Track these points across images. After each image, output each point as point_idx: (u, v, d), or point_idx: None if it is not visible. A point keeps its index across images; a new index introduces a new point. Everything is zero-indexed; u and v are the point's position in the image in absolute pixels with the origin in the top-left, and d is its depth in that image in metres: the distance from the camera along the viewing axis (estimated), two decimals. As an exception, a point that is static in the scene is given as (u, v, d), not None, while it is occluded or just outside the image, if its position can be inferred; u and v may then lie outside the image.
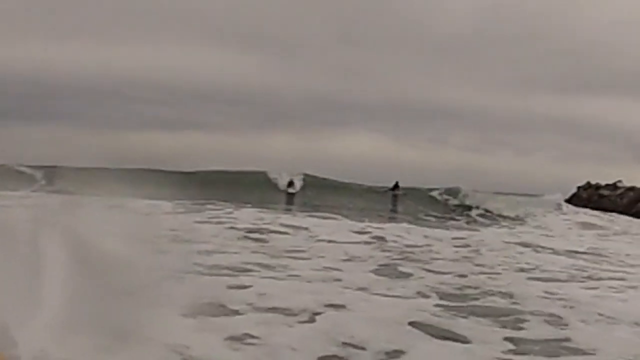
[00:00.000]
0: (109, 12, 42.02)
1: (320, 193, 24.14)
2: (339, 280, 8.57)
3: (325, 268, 9.50)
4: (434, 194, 26.71)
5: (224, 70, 42.17)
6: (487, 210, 24.11)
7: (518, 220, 22.99)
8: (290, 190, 25.06)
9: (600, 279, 10.26)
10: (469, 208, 24.51)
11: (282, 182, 25.52)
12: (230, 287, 7.41)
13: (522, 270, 10.56)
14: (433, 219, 22.22)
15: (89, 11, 41.18)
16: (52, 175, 21.21)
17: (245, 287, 7.47)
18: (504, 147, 46.16)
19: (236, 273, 8.52)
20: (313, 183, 25.94)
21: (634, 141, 41.98)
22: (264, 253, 10.65)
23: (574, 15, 45.36)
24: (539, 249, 13.90)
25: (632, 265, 12.12)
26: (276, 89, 42.35)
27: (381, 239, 13.67)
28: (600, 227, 22.09)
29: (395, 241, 13.50)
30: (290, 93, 42.96)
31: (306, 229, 14.52)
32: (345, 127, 45.58)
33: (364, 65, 45.28)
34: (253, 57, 44.89)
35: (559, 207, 26.22)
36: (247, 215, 16.18)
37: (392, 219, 20.25)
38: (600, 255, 13.59)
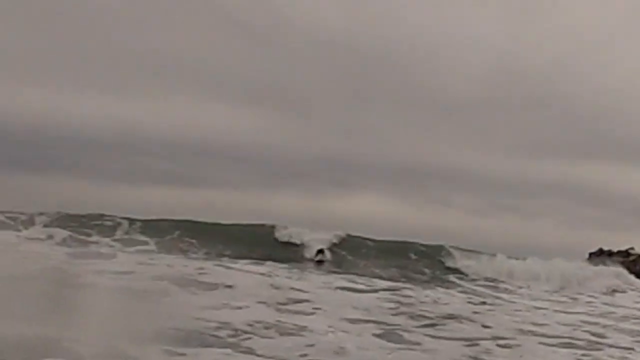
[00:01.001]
0: (117, 65, 42.25)
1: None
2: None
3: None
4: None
5: (232, 126, 42.27)
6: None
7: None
8: (320, 258, 23.86)
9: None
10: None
11: (311, 252, 24.45)
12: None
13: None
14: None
15: (97, 63, 41.38)
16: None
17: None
18: (510, 211, 45.70)
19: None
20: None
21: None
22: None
23: (582, 82, 45.74)
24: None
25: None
26: (284, 147, 42.35)
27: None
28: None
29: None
30: (298, 151, 42.88)
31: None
32: (352, 187, 45.32)
33: (373, 125, 45.36)
34: (259, 115, 45.09)
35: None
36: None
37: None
38: None
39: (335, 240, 24.74)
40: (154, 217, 24.82)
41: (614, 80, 45.60)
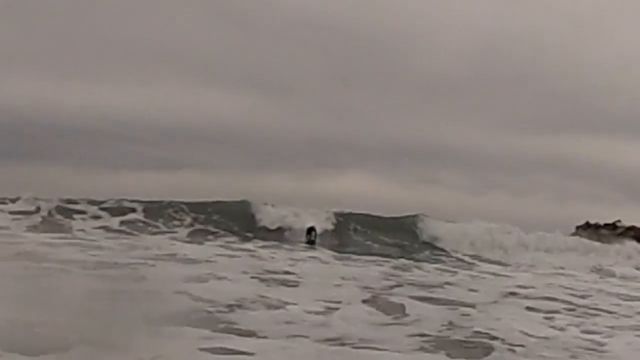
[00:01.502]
0: (106, 53, 41.94)
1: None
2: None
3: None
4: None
5: (218, 110, 42.06)
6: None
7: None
8: (309, 238, 23.08)
9: None
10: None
11: (299, 232, 23.85)
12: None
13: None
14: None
15: (86, 52, 41.02)
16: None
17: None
18: (499, 187, 45.80)
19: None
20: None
21: (629, 181, 41.95)
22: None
23: (567, 58, 45.72)
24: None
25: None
26: (270, 129, 42.23)
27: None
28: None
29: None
30: (284, 133, 42.76)
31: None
32: (339, 167, 45.28)
33: (358, 105, 45.29)
34: (247, 98, 44.87)
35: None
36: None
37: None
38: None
39: (328, 219, 24.48)
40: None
41: (600, 56, 45.63)
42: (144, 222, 22.02)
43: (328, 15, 43.53)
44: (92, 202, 22.62)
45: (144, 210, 22.64)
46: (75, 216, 21.62)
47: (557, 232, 28.68)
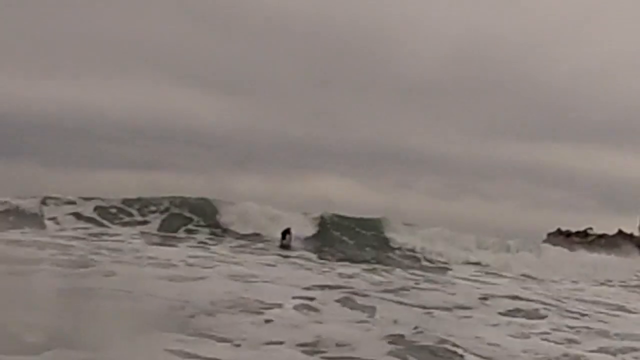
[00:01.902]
0: (80, 50, 41.58)
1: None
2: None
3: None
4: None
5: (193, 111, 41.97)
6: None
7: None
8: (285, 242, 22.29)
9: None
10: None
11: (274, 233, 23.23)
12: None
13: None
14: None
15: (59, 49, 40.63)
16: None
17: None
18: (470, 193, 46.32)
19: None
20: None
21: (600, 188, 42.54)
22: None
23: (541, 65, 46.31)
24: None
25: None
26: (244, 131, 42.16)
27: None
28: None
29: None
30: (259, 135, 42.74)
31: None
32: (314, 170, 45.38)
33: (334, 108, 45.44)
34: (223, 99, 44.79)
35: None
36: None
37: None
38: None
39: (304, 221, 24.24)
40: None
41: (580, 64, 46.25)
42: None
43: (306, 19, 43.66)
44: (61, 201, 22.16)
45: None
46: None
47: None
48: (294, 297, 10.80)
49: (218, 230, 22.58)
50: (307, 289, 12.19)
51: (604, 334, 10.55)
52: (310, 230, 24.37)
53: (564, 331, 10.40)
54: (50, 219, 20.97)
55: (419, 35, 45.50)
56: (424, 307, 11.31)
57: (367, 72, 45.13)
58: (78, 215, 21.60)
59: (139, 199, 23.29)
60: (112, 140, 39.91)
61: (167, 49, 43.14)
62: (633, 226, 32.40)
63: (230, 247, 19.58)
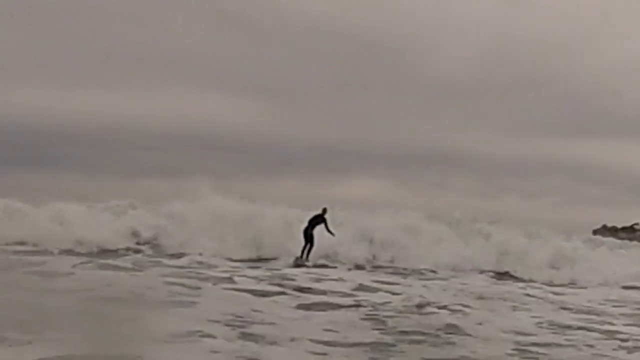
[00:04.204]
0: (113, 60, 41.87)
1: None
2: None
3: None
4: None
5: (226, 117, 42.02)
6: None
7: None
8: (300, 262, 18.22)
9: None
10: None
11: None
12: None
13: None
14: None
15: (92, 59, 40.95)
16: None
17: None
18: (509, 191, 45.82)
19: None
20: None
21: (637, 183, 42.17)
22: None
23: (575, 61, 45.94)
24: None
25: None
26: (279, 135, 42.18)
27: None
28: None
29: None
30: (294, 140, 42.78)
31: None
32: (349, 173, 45.30)
33: (367, 112, 45.41)
34: (256, 105, 44.88)
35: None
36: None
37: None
38: None
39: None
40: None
41: (608, 59, 45.84)
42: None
43: (337, 23, 43.58)
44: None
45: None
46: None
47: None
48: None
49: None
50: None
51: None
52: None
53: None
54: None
55: (448, 38, 45.38)
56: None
57: (400, 75, 45.06)
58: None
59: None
60: (150, 149, 40.13)
61: (203, 56, 43.35)
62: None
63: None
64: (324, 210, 19.02)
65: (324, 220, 18.77)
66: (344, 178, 44.72)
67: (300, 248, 18.39)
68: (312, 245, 18.50)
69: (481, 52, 44.61)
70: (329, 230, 18.60)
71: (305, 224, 18.69)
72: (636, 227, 31.13)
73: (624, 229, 31.47)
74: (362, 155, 43.43)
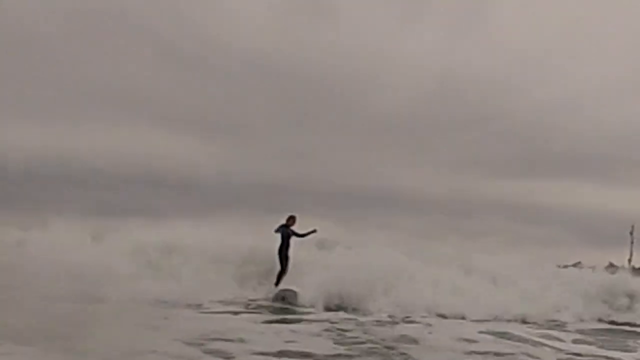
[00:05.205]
0: (49, 94, 40.50)
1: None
2: None
3: None
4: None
5: (171, 154, 40.93)
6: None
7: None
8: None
9: None
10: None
11: None
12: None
13: None
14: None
15: (25, 93, 39.50)
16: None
17: None
18: (453, 231, 45.54)
19: None
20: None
21: (581, 223, 42.17)
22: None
23: (516, 99, 46.35)
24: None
25: None
26: (218, 172, 41.16)
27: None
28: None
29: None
30: (234, 178, 41.72)
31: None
32: (290, 212, 44.21)
33: (309, 149, 44.74)
34: (196, 142, 43.84)
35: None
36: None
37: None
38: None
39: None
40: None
41: (552, 96, 46.36)
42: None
43: (280, 60, 43.15)
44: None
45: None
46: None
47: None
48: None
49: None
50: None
51: None
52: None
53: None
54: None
55: (393, 73, 45.32)
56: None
57: (344, 110, 44.72)
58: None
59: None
60: (80, 185, 38.59)
61: (144, 93, 42.33)
62: (622, 259, 31.97)
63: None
64: (292, 220, 16.45)
65: (292, 232, 16.31)
66: (286, 217, 43.48)
67: (276, 274, 15.80)
68: (286, 268, 16.00)
69: (424, 89, 44.69)
70: (304, 235, 16.28)
71: (279, 241, 16.21)
72: (579, 266, 30.96)
73: (565, 267, 31.32)
74: (303, 194, 42.61)
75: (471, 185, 46.15)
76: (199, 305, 13.27)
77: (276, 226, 16.64)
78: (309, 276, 15.37)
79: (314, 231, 16.76)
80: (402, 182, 44.30)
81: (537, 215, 45.72)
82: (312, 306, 14.11)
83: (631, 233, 37.62)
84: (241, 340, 8.98)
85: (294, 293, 14.86)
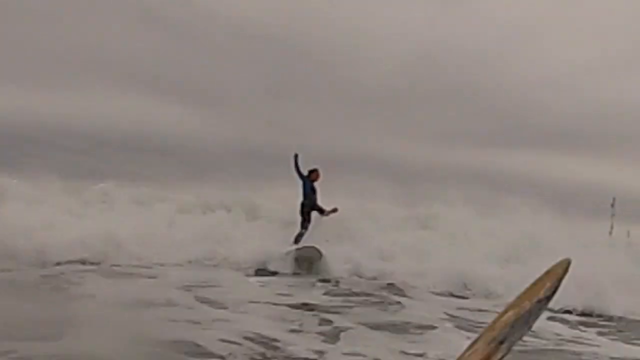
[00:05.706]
0: (31, 59, 40.11)
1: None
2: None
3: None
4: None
5: (149, 120, 40.76)
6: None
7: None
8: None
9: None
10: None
11: None
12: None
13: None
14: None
15: (7, 58, 39.12)
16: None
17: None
18: (431, 199, 45.94)
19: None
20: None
21: (558, 193, 42.64)
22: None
23: (500, 74, 46.41)
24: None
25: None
26: (200, 139, 41.13)
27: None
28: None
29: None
30: (214, 144, 41.72)
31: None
32: (272, 179, 44.42)
33: (294, 117, 44.71)
34: (179, 108, 43.67)
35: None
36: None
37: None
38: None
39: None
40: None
41: (538, 72, 46.51)
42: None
43: (262, 26, 42.86)
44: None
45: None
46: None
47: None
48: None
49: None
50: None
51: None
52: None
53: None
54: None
55: (376, 42, 45.15)
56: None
57: (326, 80, 44.60)
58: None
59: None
60: (65, 149, 38.45)
61: (128, 58, 42.07)
62: (603, 231, 32.30)
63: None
64: (315, 174, 12.80)
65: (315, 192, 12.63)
66: (267, 183, 43.68)
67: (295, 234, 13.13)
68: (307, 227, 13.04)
69: (409, 58, 44.58)
70: (324, 211, 13.29)
71: (300, 198, 13.68)
72: (559, 236, 31.34)
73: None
74: (285, 161, 42.69)
75: (452, 155, 46.41)
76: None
77: (298, 167, 13.53)
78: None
79: (335, 210, 15.56)
80: (383, 151, 44.45)
81: (518, 186, 46.14)
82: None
83: (612, 205, 38.06)
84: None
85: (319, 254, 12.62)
